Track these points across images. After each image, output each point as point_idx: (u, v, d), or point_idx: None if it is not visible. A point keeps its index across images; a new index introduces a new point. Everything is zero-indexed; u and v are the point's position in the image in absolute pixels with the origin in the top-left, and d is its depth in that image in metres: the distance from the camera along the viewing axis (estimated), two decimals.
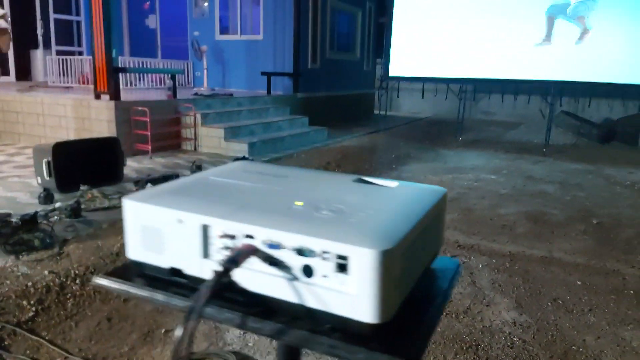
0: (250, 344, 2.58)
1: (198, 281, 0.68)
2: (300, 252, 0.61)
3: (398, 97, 12.75)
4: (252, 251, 0.63)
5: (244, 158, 6.41)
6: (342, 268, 0.59)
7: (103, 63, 5.93)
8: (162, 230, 0.71)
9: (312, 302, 0.61)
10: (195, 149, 7.03)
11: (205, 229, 0.68)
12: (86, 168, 4.59)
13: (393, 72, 9.56)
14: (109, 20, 5.66)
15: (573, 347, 2.60)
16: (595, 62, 8.26)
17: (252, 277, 0.65)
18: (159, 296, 0.71)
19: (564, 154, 8.52)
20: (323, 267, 0.60)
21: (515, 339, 2.68)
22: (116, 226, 3.87)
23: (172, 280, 0.72)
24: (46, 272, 3.01)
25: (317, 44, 10.13)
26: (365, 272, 0.56)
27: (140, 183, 4.73)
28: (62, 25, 10.67)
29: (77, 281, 3.01)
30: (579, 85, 8.82)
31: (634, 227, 4.61)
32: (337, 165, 6.54)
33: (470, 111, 10.30)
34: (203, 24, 10.34)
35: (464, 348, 2.58)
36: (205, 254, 0.68)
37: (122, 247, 3.51)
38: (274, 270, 0.63)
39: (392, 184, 0.83)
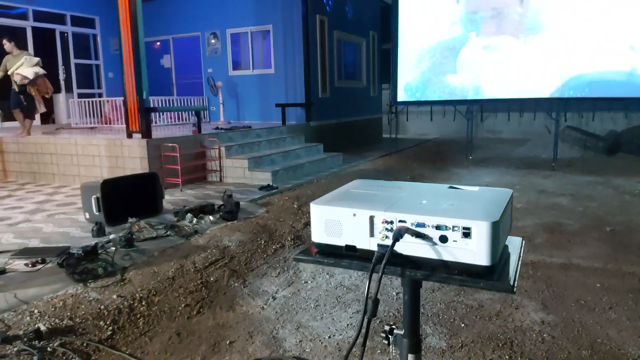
0: (307, 350, 2.87)
1: (367, 252, 1.03)
2: (438, 227, 0.97)
3: (407, 120, 13.18)
4: (406, 229, 0.98)
5: (269, 186, 6.77)
6: (466, 235, 0.94)
7: (134, 104, 6.35)
8: (341, 221, 1.06)
9: (447, 257, 0.97)
10: (220, 179, 7.39)
11: (371, 218, 1.03)
12: (130, 202, 4.94)
13: (401, 97, 9.99)
14: (140, 64, 6.11)
15: (598, 340, 2.87)
16: (596, 77, 8.63)
17: (405, 246, 1.00)
18: (344, 262, 1.07)
19: (573, 167, 8.83)
20: (453, 236, 0.96)
21: (545, 335, 2.95)
22: (166, 253, 4.20)
23: (346, 254, 1.07)
24: (115, 296, 3.33)
25: (326, 74, 10.60)
26: (482, 235, 0.94)
27: (180, 213, 5.08)
28: (82, 69, 11.23)
29: (143, 302, 3.32)
30: (581, 100, 9.19)
31: None
32: None
33: (477, 130, 10.67)
34: (216, 61, 10.87)
35: (500, 345, 2.85)
36: (372, 234, 1.04)
37: (177, 271, 3.84)
38: (420, 240, 0.98)
39: (475, 188, 1.19)
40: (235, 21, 10.44)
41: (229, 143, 7.65)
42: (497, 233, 0.94)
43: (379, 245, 1.02)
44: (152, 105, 8.05)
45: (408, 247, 1.00)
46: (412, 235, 0.99)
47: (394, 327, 1.15)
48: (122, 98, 6.71)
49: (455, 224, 0.95)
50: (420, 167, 8.83)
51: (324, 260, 1.13)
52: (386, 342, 1.13)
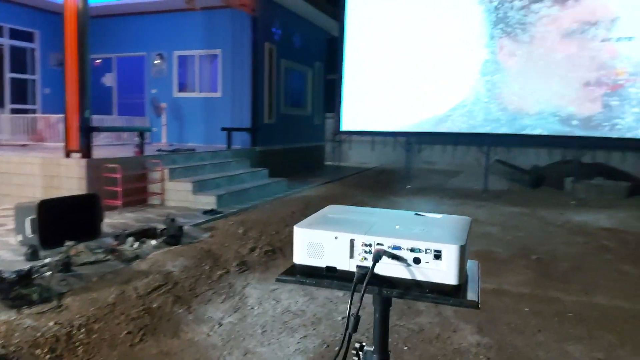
0: None
1: (347, 273, 1.13)
2: (413, 250, 1.08)
3: (350, 149, 13.53)
4: (384, 252, 1.09)
5: (213, 210, 6.71)
6: (437, 257, 1.06)
7: (75, 122, 6.15)
8: (323, 244, 1.15)
9: (420, 277, 1.08)
10: (162, 203, 7.24)
11: (352, 241, 1.13)
12: (68, 224, 4.74)
13: (345, 126, 10.32)
14: (84, 81, 5.95)
15: None
16: (523, 117, 9.36)
17: (382, 267, 1.10)
18: (325, 282, 1.16)
19: (501, 198, 9.41)
20: (426, 257, 1.07)
21: (481, 357, 3.14)
22: (106, 278, 4.06)
23: (326, 275, 1.16)
24: (51, 324, 3.18)
25: (273, 101, 10.74)
26: (452, 257, 1.06)
27: (120, 237, 4.93)
28: (17, 84, 10.69)
29: (83, 330, 3.20)
30: (509, 137, 9.90)
31: (568, 261, 5.30)
32: (302, 214, 6.95)
33: (414, 161, 11.15)
34: (161, 82, 10.73)
35: None
36: (352, 256, 1.14)
37: (117, 297, 3.73)
38: (396, 262, 1.09)
39: (438, 215, 1.33)
40: (183, 44, 10.39)
41: (172, 165, 7.54)
42: (464, 255, 1.08)
43: (358, 267, 1.12)
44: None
45: (384, 267, 1.11)
46: (389, 257, 1.09)
47: (363, 344, 1.24)
48: (62, 115, 6.47)
49: (428, 247, 1.08)
50: (361, 194, 9.09)
51: (306, 281, 1.21)
52: (356, 358, 1.22)
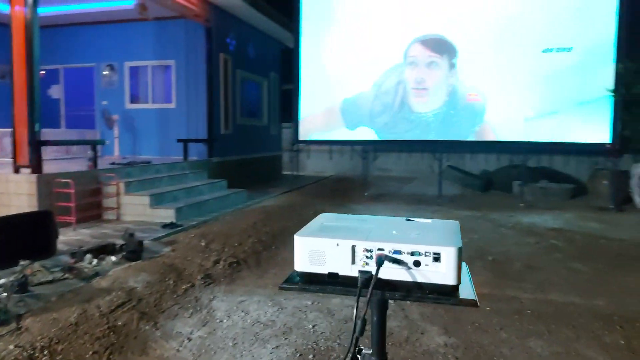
0: None
1: (349, 278, 1.17)
2: (413, 253, 1.13)
3: (309, 158, 13.61)
4: (386, 256, 1.13)
5: (172, 224, 6.59)
6: (436, 259, 1.12)
7: (24, 136, 5.88)
8: (324, 251, 1.18)
9: (420, 279, 1.13)
10: (118, 218, 7.02)
11: (353, 247, 1.17)
12: (20, 243, 4.53)
13: (302, 136, 10.40)
14: (33, 94, 5.71)
15: (494, 358, 3.24)
16: (473, 124, 9.76)
17: (384, 271, 1.15)
18: (328, 288, 1.19)
19: (455, 202, 9.74)
20: (426, 260, 1.13)
21: (450, 357, 3.25)
22: (65, 297, 3.91)
23: (328, 281, 1.19)
24: (11, 347, 3.03)
25: (229, 111, 10.68)
26: (450, 259, 1.12)
27: (77, 254, 4.75)
28: None
29: (45, 352, 3.07)
30: (461, 143, 10.29)
31: (521, 261, 5.56)
32: (263, 224, 6.95)
33: (370, 168, 11.37)
34: (112, 93, 10.44)
35: None
36: (353, 262, 1.18)
37: (80, 316, 3.60)
38: (397, 265, 1.14)
39: (428, 220, 1.40)
40: (135, 54, 10.17)
41: (127, 179, 7.34)
42: (461, 257, 1.14)
43: (360, 272, 1.16)
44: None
45: (386, 271, 1.16)
46: (390, 261, 1.15)
47: (362, 347, 1.28)
48: (9, 129, 6.18)
49: (427, 250, 1.13)
50: (321, 202, 9.16)
51: (309, 288, 1.24)
52: None
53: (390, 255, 1.15)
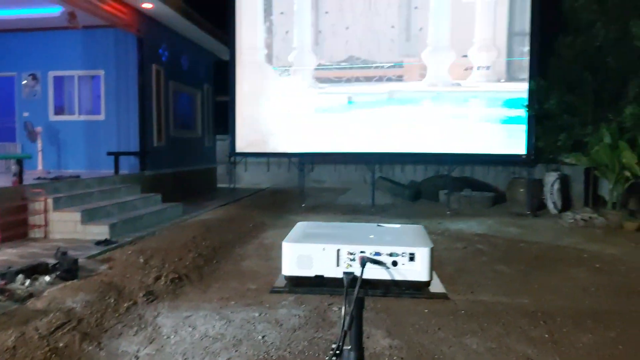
0: None
1: (334, 279, 1.29)
2: (391, 254, 1.28)
3: (246, 170, 13.57)
4: (368, 258, 1.27)
5: (106, 240, 6.37)
6: (412, 259, 1.27)
7: None
8: (311, 255, 1.30)
9: (398, 277, 1.28)
10: (46, 236, 6.66)
11: (338, 251, 1.30)
12: None
13: (239, 148, 10.42)
14: None
15: (436, 356, 3.48)
16: (404, 137, 10.26)
17: (365, 271, 1.28)
18: (316, 290, 1.31)
19: (387, 212, 10.15)
20: (402, 260, 1.28)
21: (395, 357, 3.46)
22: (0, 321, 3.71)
23: (315, 282, 1.31)
24: None
25: (162, 123, 10.46)
26: (424, 258, 1.28)
27: (8, 275, 4.49)
28: None
29: None
30: (392, 155, 10.78)
31: (452, 265, 5.95)
32: (203, 238, 6.88)
33: (306, 180, 11.56)
34: (34, 104, 9.88)
35: None
36: (337, 265, 1.30)
37: (17, 340, 3.44)
38: (377, 266, 1.28)
39: (397, 225, 1.56)
40: (60, 63, 9.70)
41: (56, 194, 6.99)
42: (433, 255, 1.31)
43: (345, 273, 1.30)
44: None
45: (367, 272, 1.30)
46: (372, 262, 1.29)
47: (341, 343, 1.41)
48: None
49: (404, 251, 1.29)
50: (259, 215, 9.20)
51: (298, 289, 1.35)
52: (335, 358, 1.38)
53: (372, 257, 1.30)
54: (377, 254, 1.31)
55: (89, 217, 6.81)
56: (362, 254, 1.31)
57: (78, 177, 8.14)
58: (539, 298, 4.76)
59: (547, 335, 3.86)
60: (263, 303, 4.55)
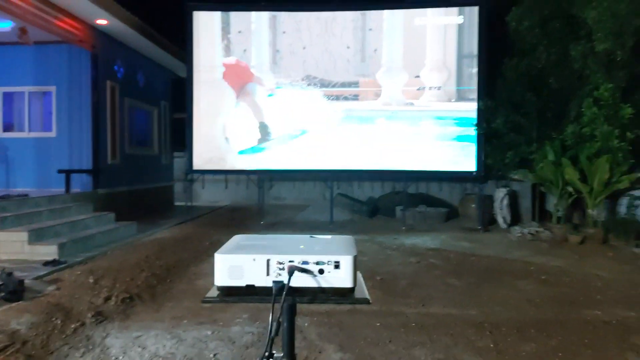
0: None
1: (264, 288, 1.35)
2: (318, 263, 1.35)
3: (203, 188, 13.43)
4: (296, 267, 1.34)
5: (55, 261, 6.18)
6: (337, 267, 1.34)
7: None
8: (242, 266, 1.35)
9: (324, 284, 1.35)
10: None
11: (268, 261, 1.36)
12: None
13: (197, 165, 10.35)
14: None
15: None
16: (361, 154, 10.47)
17: (293, 279, 1.35)
18: (247, 298, 1.35)
19: (346, 227, 10.28)
20: (328, 268, 1.35)
21: None
22: None
23: (246, 292, 1.36)
24: None
25: (117, 140, 10.27)
26: (348, 265, 1.36)
27: None
28: None
29: None
30: (350, 172, 10.97)
31: (406, 279, 6.09)
32: (157, 257, 6.77)
33: (265, 197, 11.57)
34: None
35: None
36: (267, 274, 1.36)
37: None
38: (304, 274, 1.35)
39: (328, 236, 1.64)
40: (9, 79, 9.42)
41: (2, 214, 6.73)
42: (356, 263, 1.39)
43: (274, 282, 1.36)
44: None
45: (295, 280, 1.37)
46: (300, 271, 1.36)
47: (273, 352, 1.46)
48: None
49: (330, 259, 1.37)
50: (217, 233, 9.12)
51: (229, 299, 1.40)
52: None
53: (300, 265, 1.38)
54: (305, 262, 1.38)
55: (36, 237, 6.59)
56: (291, 263, 1.38)
57: (26, 195, 7.87)
58: (486, 309, 4.94)
59: (492, 345, 4.02)
60: (216, 321, 4.52)
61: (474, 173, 10.25)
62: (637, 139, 8.27)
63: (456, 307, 5.02)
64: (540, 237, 8.84)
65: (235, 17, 10.72)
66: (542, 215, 10.16)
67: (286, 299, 1.34)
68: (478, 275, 6.42)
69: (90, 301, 4.92)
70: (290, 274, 1.35)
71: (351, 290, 1.40)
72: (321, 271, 1.37)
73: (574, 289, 5.78)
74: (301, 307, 4.71)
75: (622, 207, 8.84)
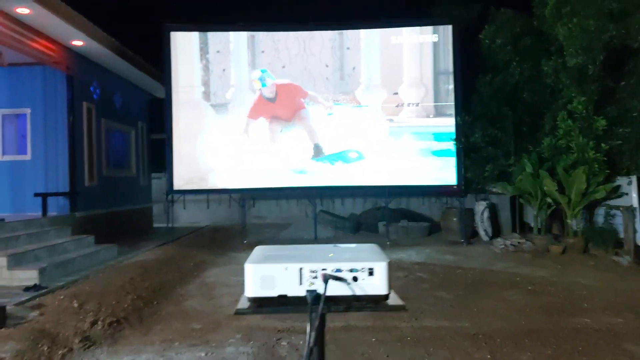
0: None
1: (298, 298, 1.32)
2: (352, 270, 1.33)
3: (185, 208, 13.23)
4: (330, 275, 1.32)
5: (36, 286, 5.96)
6: (371, 273, 1.33)
7: None
8: (274, 276, 1.32)
9: (358, 292, 1.33)
10: None
11: (300, 270, 1.33)
12: None
13: (177, 186, 10.21)
14: None
15: None
16: (342, 172, 10.52)
17: (328, 288, 1.33)
18: (281, 309, 1.32)
19: (332, 243, 10.23)
20: (362, 275, 1.33)
21: None
22: None
23: (279, 302, 1.33)
24: None
25: (94, 162, 10.06)
26: (382, 272, 1.35)
27: None
28: None
29: None
30: (332, 189, 10.99)
31: (395, 293, 6.08)
32: (142, 279, 6.61)
33: (247, 217, 11.47)
34: None
35: None
36: (300, 283, 1.33)
37: None
38: (339, 282, 1.33)
39: (352, 245, 1.62)
40: None
41: None
42: (389, 270, 1.38)
43: (308, 291, 1.33)
44: None
45: (329, 288, 1.35)
46: (333, 279, 1.34)
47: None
48: None
49: (363, 266, 1.35)
50: (200, 253, 8.97)
51: (263, 310, 1.37)
52: None
53: (334, 273, 1.36)
54: (339, 270, 1.37)
55: (15, 262, 6.36)
56: (324, 271, 1.36)
57: (2, 220, 7.60)
58: (478, 321, 4.97)
59: (489, 356, 4.03)
60: (209, 342, 4.43)
61: (454, 187, 10.40)
62: (611, 150, 8.55)
63: (448, 320, 5.04)
64: (522, 248, 8.99)
65: (213, 37, 10.76)
66: (522, 226, 10.35)
67: (323, 309, 1.32)
68: (465, 287, 6.47)
69: (76, 326, 4.75)
70: (326, 282, 1.33)
71: (386, 297, 1.39)
72: (355, 279, 1.36)
73: (561, 298, 5.87)
74: (294, 325, 4.64)
75: (600, 216, 9.08)
